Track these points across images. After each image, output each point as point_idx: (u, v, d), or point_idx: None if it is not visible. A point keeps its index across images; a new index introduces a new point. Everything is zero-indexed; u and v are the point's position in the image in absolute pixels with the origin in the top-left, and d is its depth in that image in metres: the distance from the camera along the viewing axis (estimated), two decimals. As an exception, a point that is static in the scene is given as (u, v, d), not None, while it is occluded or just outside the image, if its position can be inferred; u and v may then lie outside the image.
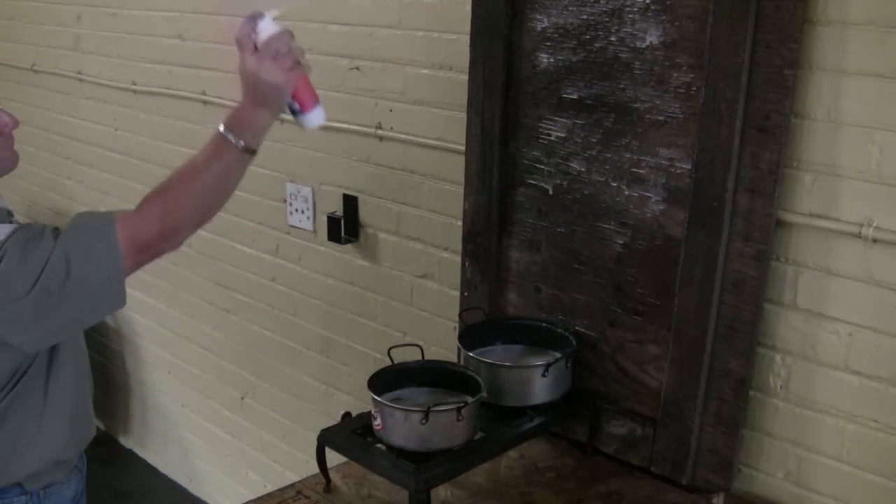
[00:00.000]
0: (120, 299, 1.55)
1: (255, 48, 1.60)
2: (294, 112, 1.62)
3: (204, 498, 3.76)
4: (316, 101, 1.62)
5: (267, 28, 1.57)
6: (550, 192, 2.07)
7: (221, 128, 1.59)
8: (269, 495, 1.93)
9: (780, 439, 1.85)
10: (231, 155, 1.58)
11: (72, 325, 1.62)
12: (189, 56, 3.19)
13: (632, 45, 1.87)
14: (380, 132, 2.54)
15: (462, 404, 1.71)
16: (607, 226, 1.98)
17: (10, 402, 1.63)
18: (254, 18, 1.58)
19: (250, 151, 1.58)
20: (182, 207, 1.58)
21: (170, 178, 1.60)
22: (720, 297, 1.79)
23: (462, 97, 2.20)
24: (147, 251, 1.56)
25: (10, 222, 1.64)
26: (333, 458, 1.89)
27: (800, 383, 1.80)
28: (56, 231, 1.54)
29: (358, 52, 2.55)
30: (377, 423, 1.74)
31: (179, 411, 3.78)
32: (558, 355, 1.97)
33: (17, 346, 1.56)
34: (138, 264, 1.57)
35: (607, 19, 1.90)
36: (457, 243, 2.33)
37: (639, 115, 1.88)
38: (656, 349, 1.93)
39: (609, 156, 1.95)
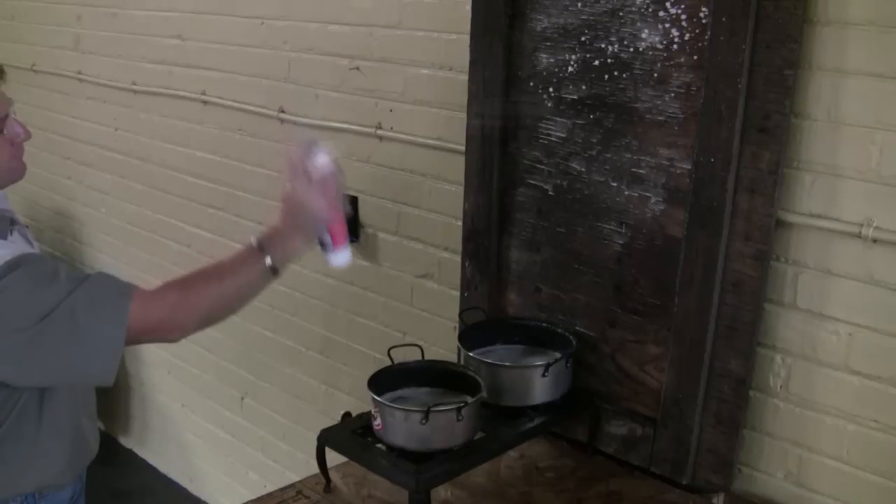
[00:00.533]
0: (108, 373, 1.53)
1: (306, 175, 1.60)
2: (323, 245, 1.65)
3: (204, 498, 3.76)
4: (346, 241, 1.66)
5: (323, 160, 1.59)
6: (550, 192, 2.07)
7: (254, 241, 1.59)
8: (269, 495, 1.93)
9: (780, 439, 1.85)
10: (257, 270, 1.58)
11: (55, 374, 1.57)
12: (189, 56, 3.19)
13: (632, 46, 1.87)
14: (380, 132, 2.54)
15: (462, 404, 1.71)
16: (607, 226, 1.98)
17: (3, 432, 1.62)
18: (310, 146, 1.59)
19: (275, 272, 1.59)
20: (196, 305, 1.57)
21: (194, 273, 1.60)
22: (720, 297, 1.80)
23: (462, 97, 2.20)
24: (147, 334, 1.56)
25: (12, 231, 1.64)
26: (333, 458, 1.88)
27: (800, 383, 1.80)
28: (70, 275, 1.53)
29: (358, 52, 2.55)
30: (377, 423, 1.74)
31: (179, 411, 3.78)
32: (558, 355, 1.97)
33: (6, 379, 1.55)
34: (133, 343, 1.55)
35: (607, 19, 1.90)
36: (457, 243, 2.33)
37: (639, 115, 1.88)
38: (656, 349, 1.93)
39: (609, 156, 1.95)
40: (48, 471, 1.71)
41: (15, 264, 1.49)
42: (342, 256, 1.65)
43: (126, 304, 1.50)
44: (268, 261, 1.57)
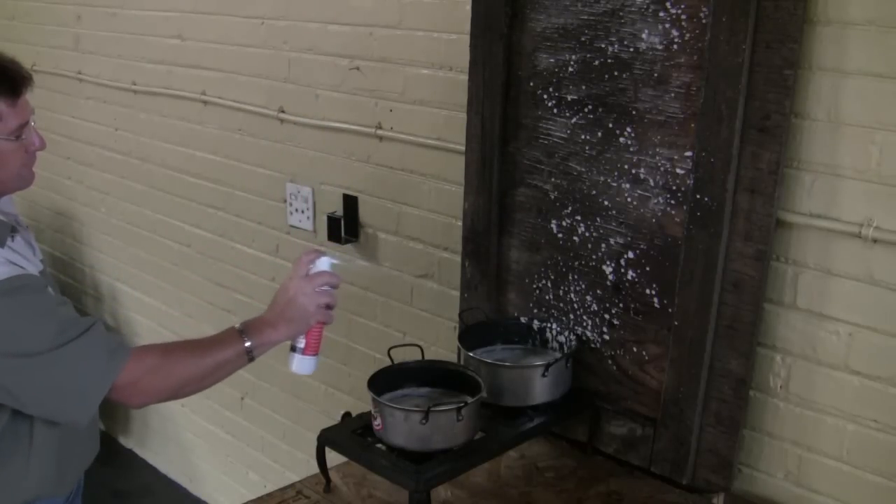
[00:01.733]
0: (81, 422, 1.57)
1: (308, 277, 1.67)
2: (294, 347, 1.72)
3: (204, 498, 3.76)
4: (317, 352, 1.73)
5: (324, 265, 1.68)
6: (550, 192, 2.07)
7: (238, 325, 1.64)
8: (269, 495, 1.93)
9: (780, 439, 1.85)
10: (235, 352, 1.63)
11: (28, 407, 1.58)
12: (189, 56, 3.19)
13: (631, 46, 1.87)
14: (380, 132, 2.54)
15: (462, 404, 1.71)
16: (607, 226, 1.98)
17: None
18: (320, 254, 1.70)
19: (251, 358, 1.64)
20: (171, 375, 1.60)
21: (175, 344, 1.66)
22: (720, 297, 1.80)
23: (462, 97, 2.20)
24: (114, 393, 1.57)
25: (13, 237, 1.63)
26: (333, 458, 1.89)
27: (800, 383, 1.80)
28: (68, 320, 1.54)
29: (358, 52, 2.56)
30: (377, 423, 1.74)
31: (179, 411, 3.78)
32: (558, 355, 1.97)
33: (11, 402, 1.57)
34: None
35: (607, 19, 1.90)
36: (457, 243, 2.33)
37: (639, 115, 1.88)
38: (656, 349, 1.93)
39: (609, 156, 1.95)
40: (40, 483, 1.70)
41: (9, 291, 1.49)
42: (307, 365, 1.71)
43: (116, 366, 1.54)
44: (247, 344, 1.62)
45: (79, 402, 1.55)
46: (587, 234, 2.02)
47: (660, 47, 1.82)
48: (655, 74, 1.84)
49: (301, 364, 1.72)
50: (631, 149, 1.91)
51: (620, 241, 1.96)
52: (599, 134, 1.96)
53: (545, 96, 2.04)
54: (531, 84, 2.06)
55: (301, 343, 1.70)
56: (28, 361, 1.49)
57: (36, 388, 1.53)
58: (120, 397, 1.57)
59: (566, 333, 2.03)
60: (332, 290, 1.69)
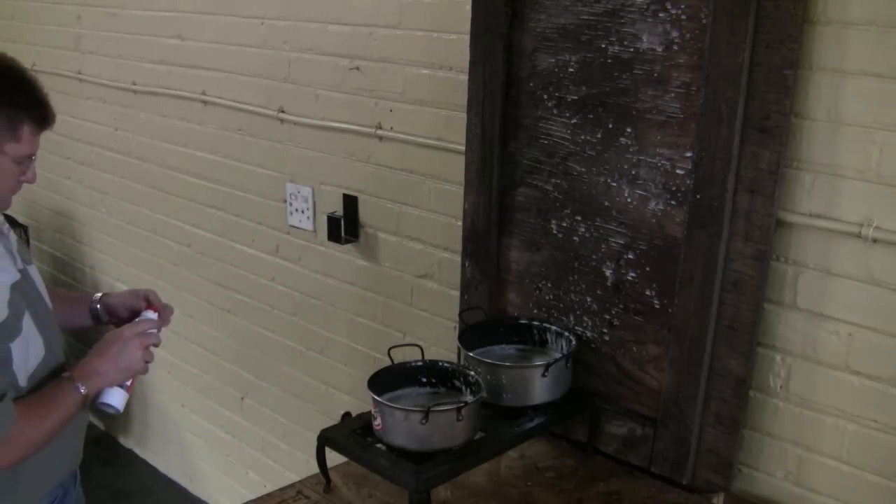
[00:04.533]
0: None
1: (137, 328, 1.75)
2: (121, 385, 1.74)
3: (204, 498, 3.76)
4: (129, 392, 1.75)
5: (149, 315, 1.81)
6: (550, 192, 2.08)
7: (66, 375, 1.66)
8: (269, 495, 1.93)
9: (780, 439, 1.85)
10: (73, 400, 1.65)
11: None
12: (189, 56, 3.19)
13: (631, 46, 1.87)
14: (380, 132, 2.54)
15: (462, 404, 1.71)
16: (607, 226, 1.98)
17: None
18: (146, 310, 1.83)
19: (87, 398, 1.67)
20: (17, 451, 1.60)
21: (43, 411, 1.62)
22: (720, 297, 1.80)
23: (462, 97, 2.20)
24: None
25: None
26: (333, 458, 1.89)
27: (800, 383, 1.80)
28: None
29: (358, 52, 2.56)
30: (377, 423, 1.74)
31: (179, 411, 3.79)
32: (558, 355, 1.97)
33: None
34: None
35: (607, 19, 1.90)
36: (457, 243, 2.33)
37: (639, 115, 1.88)
38: (656, 349, 1.93)
39: (609, 156, 1.95)
40: (9, 496, 1.68)
41: None
42: (119, 398, 1.71)
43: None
44: (82, 389, 1.64)
45: None
46: (587, 234, 2.02)
47: (660, 47, 1.82)
48: (655, 74, 1.84)
49: (115, 397, 1.71)
50: (631, 149, 1.91)
51: (620, 241, 1.96)
52: (599, 134, 1.96)
53: (545, 96, 2.04)
54: (531, 84, 2.06)
55: (126, 384, 1.73)
56: None
57: None
58: None
59: (566, 333, 2.03)
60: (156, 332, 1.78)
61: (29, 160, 1.63)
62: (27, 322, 1.64)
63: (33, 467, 1.69)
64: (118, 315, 1.88)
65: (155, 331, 1.77)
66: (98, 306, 1.89)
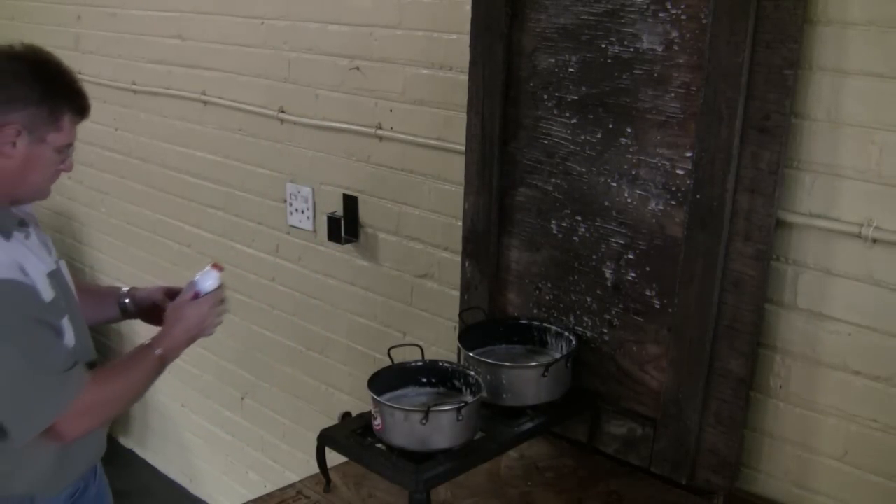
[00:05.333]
0: (21, 441, 1.60)
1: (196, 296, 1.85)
2: None
3: (204, 498, 3.76)
4: None
5: (213, 274, 1.88)
6: (550, 192, 2.07)
7: (145, 342, 1.78)
8: (269, 495, 1.93)
9: (780, 439, 1.85)
10: (151, 362, 1.76)
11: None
12: (189, 56, 3.19)
13: (631, 46, 1.87)
14: (380, 132, 2.54)
15: (462, 404, 1.71)
16: (607, 226, 1.98)
17: None
18: (204, 275, 1.88)
19: (163, 361, 1.77)
20: (108, 406, 1.73)
21: (105, 373, 1.73)
22: (720, 297, 1.79)
23: (462, 97, 2.20)
24: (59, 425, 1.62)
25: (25, 232, 1.67)
26: (333, 458, 1.89)
27: (800, 383, 1.80)
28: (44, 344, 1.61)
29: (358, 52, 2.56)
30: (377, 423, 1.74)
31: (179, 411, 3.79)
32: (558, 355, 1.97)
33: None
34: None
35: (607, 19, 1.90)
36: (457, 243, 2.33)
37: (639, 115, 1.88)
38: (656, 349, 1.93)
39: (609, 156, 1.95)
40: (36, 478, 1.71)
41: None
42: None
43: (63, 403, 1.59)
44: (158, 351, 1.75)
45: (18, 423, 1.59)
46: (587, 234, 2.02)
47: (660, 47, 1.82)
48: (655, 74, 1.84)
49: None
50: (631, 149, 1.91)
51: (620, 241, 1.96)
52: (599, 134, 1.96)
53: (545, 96, 2.04)
54: (531, 84, 2.06)
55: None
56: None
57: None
58: (59, 430, 1.62)
59: (566, 333, 2.03)
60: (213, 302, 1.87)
61: (68, 149, 1.67)
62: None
63: (58, 456, 1.72)
64: (146, 309, 1.95)
65: (223, 296, 1.86)
66: (127, 300, 1.95)
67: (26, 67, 1.61)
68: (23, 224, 1.68)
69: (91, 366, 1.74)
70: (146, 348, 1.76)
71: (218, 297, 1.86)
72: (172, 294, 1.91)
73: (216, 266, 1.87)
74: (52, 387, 1.59)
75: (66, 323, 1.66)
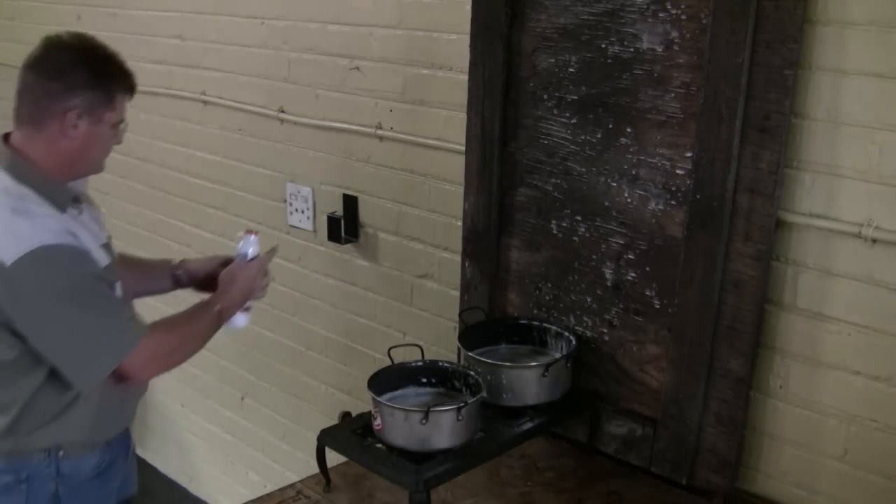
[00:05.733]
0: (86, 384, 1.73)
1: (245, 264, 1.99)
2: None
3: (204, 498, 3.76)
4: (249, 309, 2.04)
5: (251, 239, 2.01)
6: (550, 192, 2.07)
7: (213, 304, 1.91)
8: (269, 495, 1.93)
9: (780, 439, 1.85)
10: (210, 316, 1.89)
11: (52, 356, 1.72)
12: (189, 56, 3.19)
13: (631, 46, 1.87)
14: (380, 132, 2.54)
15: (462, 404, 1.71)
16: (607, 226, 1.98)
17: (41, 381, 1.74)
18: (248, 246, 2.02)
19: (221, 316, 1.90)
20: (175, 352, 1.85)
21: (171, 321, 1.86)
22: (720, 297, 1.79)
23: (462, 97, 2.20)
24: (125, 368, 1.73)
25: (79, 208, 1.79)
26: (333, 458, 1.89)
27: (800, 383, 1.80)
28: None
29: (358, 52, 2.56)
30: (377, 423, 1.74)
31: (179, 411, 3.79)
32: (558, 355, 1.97)
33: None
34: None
35: (607, 19, 1.90)
36: (457, 243, 2.33)
37: (639, 115, 1.88)
38: (656, 349, 1.93)
39: (609, 156, 1.95)
40: (69, 429, 1.78)
41: (54, 254, 1.64)
42: (242, 318, 2.00)
43: (128, 346, 1.71)
44: (216, 307, 1.88)
45: (84, 370, 1.70)
46: (587, 234, 2.02)
47: (660, 47, 1.82)
48: (655, 74, 1.84)
49: (238, 319, 1.98)
50: (631, 149, 1.91)
51: (620, 241, 1.96)
52: (599, 134, 1.96)
53: (545, 96, 2.04)
54: (531, 84, 2.06)
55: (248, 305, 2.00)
56: (53, 310, 1.66)
57: (52, 338, 1.68)
58: (128, 373, 1.73)
59: (566, 333, 2.03)
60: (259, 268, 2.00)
61: (120, 125, 1.81)
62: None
63: (94, 415, 1.80)
64: (199, 280, 2.09)
65: (268, 263, 2.01)
66: (180, 272, 2.09)
67: (80, 55, 1.75)
68: (76, 200, 1.80)
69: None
70: (206, 304, 1.89)
71: (264, 263, 1.98)
72: (226, 263, 2.04)
73: (250, 231, 2.01)
74: (113, 333, 1.70)
75: (118, 287, 1.81)
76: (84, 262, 1.70)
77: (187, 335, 1.85)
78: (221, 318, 1.90)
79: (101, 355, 1.70)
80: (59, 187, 1.75)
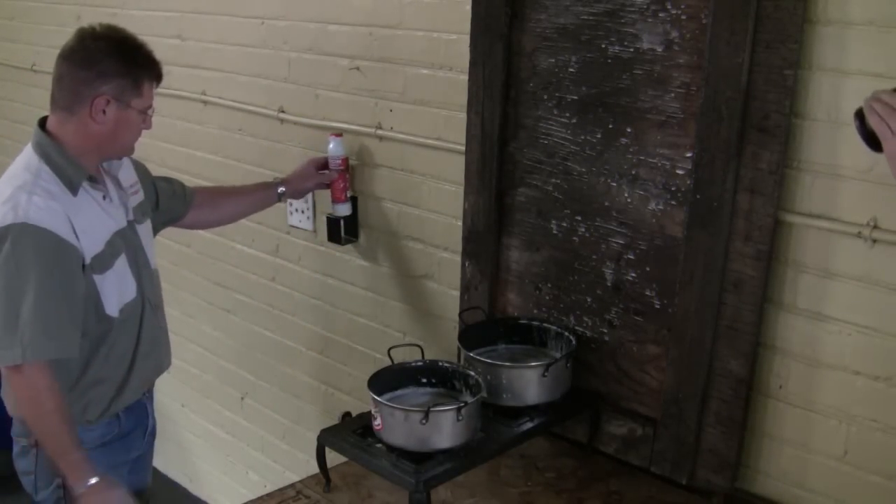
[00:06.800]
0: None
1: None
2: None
3: (204, 498, 3.76)
4: (343, 198, 2.53)
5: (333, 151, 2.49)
6: (550, 192, 2.08)
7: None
8: (269, 495, 1.93)
9: (780, 439, 1.85)
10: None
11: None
12: (189, 56, 3.19)
13: (631, 46, 1.87)
14: (380, 132, 2.54)
15: (462, 404, 1.71)
16: (607, 226, 1.98)
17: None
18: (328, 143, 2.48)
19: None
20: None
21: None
22: (720, 297, 1.80)
23: (462, 97, 2.20)
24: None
25: (106, 197, 1.94)
26: (333, 458, 1.89)
27: (800, 383, 1.80)
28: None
29: (358, 52, 2.55)
30: (377, 423, 1.74)
31: (179, 411, 3.78)
32: (558, 355, 1.97)
33: None
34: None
35: (607, 19, 1.90)
36: (457, 243, 2.33)
37: (639, 114, 1.88)
38: (656, 349, 1.93)
39: (609, 156, 1.95)
40: (72, 403, 1.90)
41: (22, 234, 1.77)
42: (343, 208, 2.52)
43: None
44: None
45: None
46: (587, 234, 2.02)
47: (660, 47, 1.83)
48: (655, 74, 1.84)
49: (339, 208, 2.53)
50: (631, 149, 1.91)
51: (620, 241, 1.96)
52: (599, 134, 1.96)
53: (545, 96, 2.04)
54: (531, 84, 2.06)
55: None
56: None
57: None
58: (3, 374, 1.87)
59: (566, 333, 2.03)
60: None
61: (149, 110, 1.95)
62: (121, 262, 1.95)
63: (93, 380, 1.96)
64: (302, 191, 2.49)
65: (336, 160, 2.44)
66: (282, 189, 2.41)
67: (111, 45, 1.91)
68: (93, 180, 1.91)
69: (155, 308, 2.11)
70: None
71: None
72: (320, 166, 2.44)
73: (337, 134, 2.41)
74: (4, 335, 1.77)
75: (108, 277, 1.90)
76: (57, 256, 1.79)
77: (47, 413, 1.82)
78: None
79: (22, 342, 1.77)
80: (75, 167, 1.87)
